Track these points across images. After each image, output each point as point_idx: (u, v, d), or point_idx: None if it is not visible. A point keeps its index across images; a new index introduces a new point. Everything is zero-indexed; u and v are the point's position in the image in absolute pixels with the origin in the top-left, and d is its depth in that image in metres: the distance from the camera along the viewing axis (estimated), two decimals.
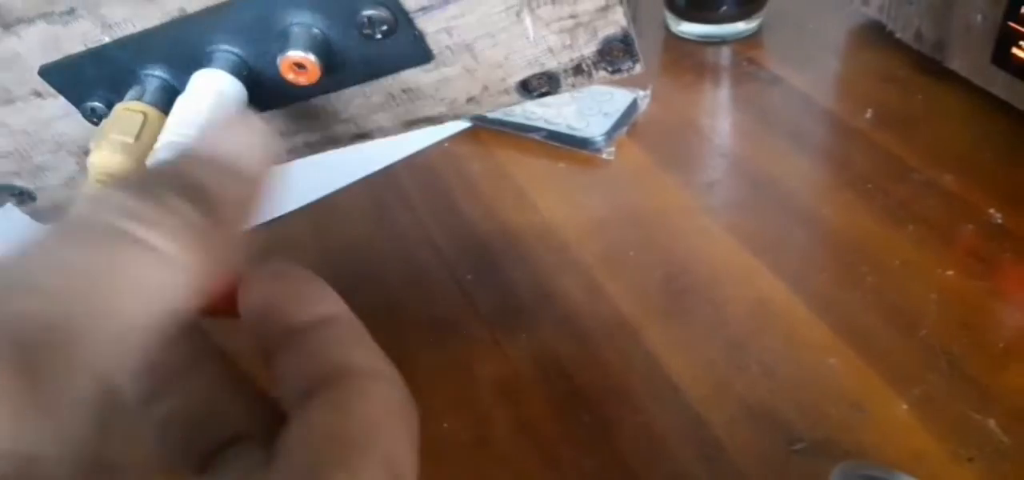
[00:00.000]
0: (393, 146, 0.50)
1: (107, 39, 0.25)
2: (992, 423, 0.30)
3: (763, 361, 0.34)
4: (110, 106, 0.26)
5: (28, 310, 0.13)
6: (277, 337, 0.18)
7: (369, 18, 0.23)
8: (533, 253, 0.41)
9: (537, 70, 0.26)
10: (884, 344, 0.34)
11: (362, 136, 0.29)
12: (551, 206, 0.44)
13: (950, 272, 0.36)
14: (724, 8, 0.54)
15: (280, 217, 0.46)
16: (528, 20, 0.24)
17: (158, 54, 0.25)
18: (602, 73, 0.25)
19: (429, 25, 0.24)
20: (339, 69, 0.25)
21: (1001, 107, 0.44)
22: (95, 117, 0.27)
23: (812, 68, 0.51)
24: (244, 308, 0.18)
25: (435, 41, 0.24)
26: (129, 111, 0.24)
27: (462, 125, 0.51)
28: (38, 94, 0.27)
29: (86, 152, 0.29)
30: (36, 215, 0.36)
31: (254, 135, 0.17)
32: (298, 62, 0.23)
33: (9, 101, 0.27)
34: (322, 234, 0.45)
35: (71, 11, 0.24)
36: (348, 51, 0.24)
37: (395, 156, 0.49)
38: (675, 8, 0.56)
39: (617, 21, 0.24)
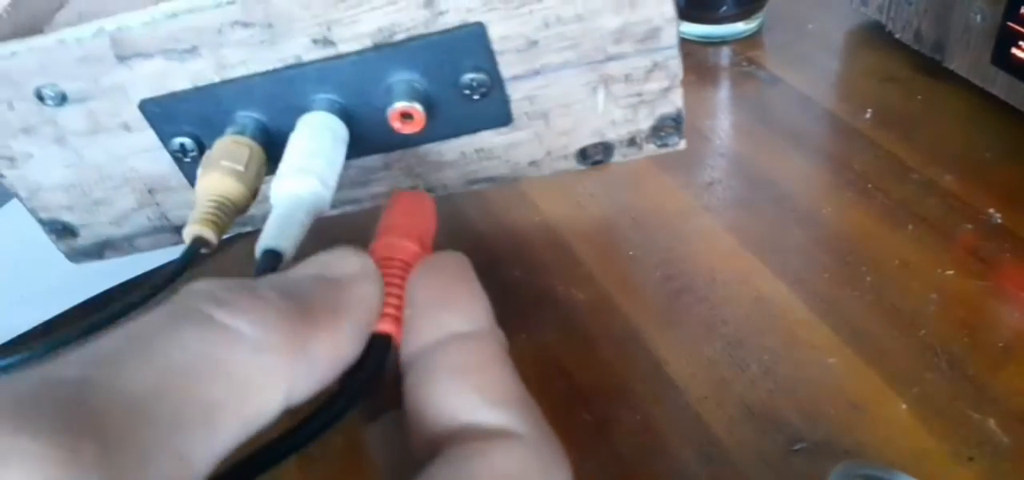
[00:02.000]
0: None
1: (217, 79, 0.25)
2: (992, 423, 0.30)
3: (762, 361, 0.34)
4: (198, 144, 0.27)
5: (121, 386, 0.13)
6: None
7: (471, 81, 0.25)
8: (533, 253, 0.41)
9: (597, 140, 0.28)
10: (884, 344, 0.34)
11: (428, 190, 0.31)
12: (551, 205, 0.44)
13: (950, 272, 0.36)
14: (724, 9, 0.54)
15: None
16: (602, 95, 0.26)
17: (262, 97, 0.26)
18: (651, 146, 0.28)
19: (516, 92, 0.26)
20: (432, 124, 0.26)
21: (1001, 107, 0.44)
22: (182, 153, 0.27)
23: (812, 68, 0.51)
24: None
25: (517, 107, 0.26)
26: (236, 143, 0.25)
27: None
28: (127, 128, 0.27)
29: (150, 189, 0.30)
30: (71, 254, 0.36)
31: (361, 265, 0.18)
32: (406, 112, 0.25)
33: (94, 132, 0.27)
34: (323, 233, 0.45)
35: (193, 49, 0.25)
36: (443, 108, 0.26)
37: None
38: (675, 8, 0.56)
39: (675, 101, 0.27)
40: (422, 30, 0.24)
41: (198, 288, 0.15)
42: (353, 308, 0.17)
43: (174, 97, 0.26)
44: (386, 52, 0.24)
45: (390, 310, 0.18)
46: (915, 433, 0.30)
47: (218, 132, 0.26)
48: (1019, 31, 0.40)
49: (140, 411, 0.13)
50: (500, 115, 0.26)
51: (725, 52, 0.55)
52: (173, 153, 0.28)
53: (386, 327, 0.18)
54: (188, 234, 0.25)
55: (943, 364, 0.33)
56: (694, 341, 0.35)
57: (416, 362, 0.17)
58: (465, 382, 0.17)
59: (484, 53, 0.24)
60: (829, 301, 0.36)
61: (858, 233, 0.39)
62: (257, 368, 0.14)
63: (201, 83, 0.26)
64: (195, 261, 0.25)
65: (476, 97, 0.25)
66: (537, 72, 0.25)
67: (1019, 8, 0.40)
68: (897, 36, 0.50)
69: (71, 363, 0.13)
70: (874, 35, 0.52)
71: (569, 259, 0.40)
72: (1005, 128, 0.43)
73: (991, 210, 0.39)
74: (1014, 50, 0.41)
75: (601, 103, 0.26)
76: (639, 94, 0.26)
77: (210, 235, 0.25)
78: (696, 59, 0.54)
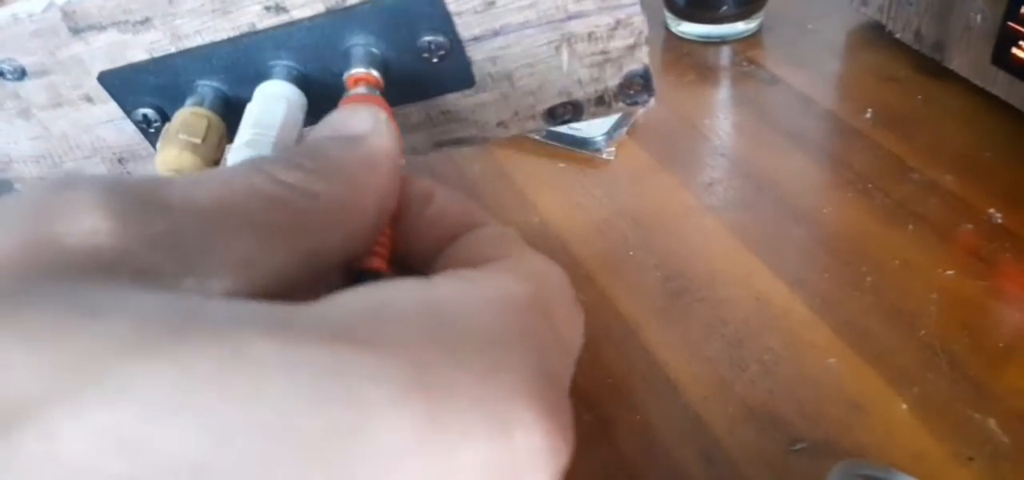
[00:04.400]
0: None
1: (174, 49, 0.25)
2: (992, 423, 0.30)
3: (763, 361, 0.34)
4: (161, 114, 0.27)
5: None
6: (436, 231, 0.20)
7: (429, 43, 0.25)
8: None
9: (565, 99, 0.27)
10: (884, 344, 0.34)
11: None
12: (551, 206, 0.44)
13: (950, 272, 0.36)
14: (724, 8, 0.54)
15: None
16: (565, 54, 0.25)
17: (221, 66, 0.26)
18: (620, 104, 0.27)
19: (477, 53, 0.25)
20: (393, 88, 0.26)
21: (1001, 107, 0.44)
22: (146, 124, 0.27)
23: (812, 68, 0.51)
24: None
25: (479, 68, 0.26)
26: (195, 115, 0.25)
27: None
28: (89, 99, 0.27)
29: (120, 158, 0.30)
30: None
31: (373, 120, 0.20)
32: (363, 78, 0.25)
33: (57, 105, 0.27)
34: None
35: (146, 21, 0.25)
36: (402, 72, 0.26)
37: None
38: (675, 8, 0.56)
39: (641, 59, 0.26)
40: None
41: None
42: (373, 167, 0.19)
43: (132, 68, 0.26)
44: (339, 17, 0.24)
45: (380, 250, 0.18)
46: (915, 433, 0.30)
47: (180, 101, 0.26)
48: (1019, 31, 0.40)
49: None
50: (462, 77, 0.26)
51: (725, 52, 0.55)
52: (137, 124, 0.27)
53: (377, 264, 0.18)
54: None
55: (943, 364, 0.33)
56: (694, 341, 0.35)
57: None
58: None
59: (440, 15, 0.24)
60: (829, 301, 0.36)
61: (858, 233, 0.39)
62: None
63: (157, 54, 0.25)
64: None
65: (435, 60, 0.25)
66: (497, 32, 0.25)
67: (1019, 8, 0.40)
68: (897, 36, 0.50)
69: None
70: (874, 35, 0.52)
71: (569, 259, 0.40)
72: (1005, 128, 0.43)
73: (992, 210, 0.39)
74: (1014, 50, 0.41)
75: (565, 62, 0.26)
76: (604, 52, 0.25)
77: None
78: (696, 59, 0.54)
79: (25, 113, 0.28)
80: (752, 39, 0.55)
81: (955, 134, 0.44)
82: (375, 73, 0.25)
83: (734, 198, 0.43)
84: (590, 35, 0.25)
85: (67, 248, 0.13)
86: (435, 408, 0.12)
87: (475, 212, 0.20)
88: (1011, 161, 0.42)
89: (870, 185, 0.42)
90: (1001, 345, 0.33)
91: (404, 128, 0.28)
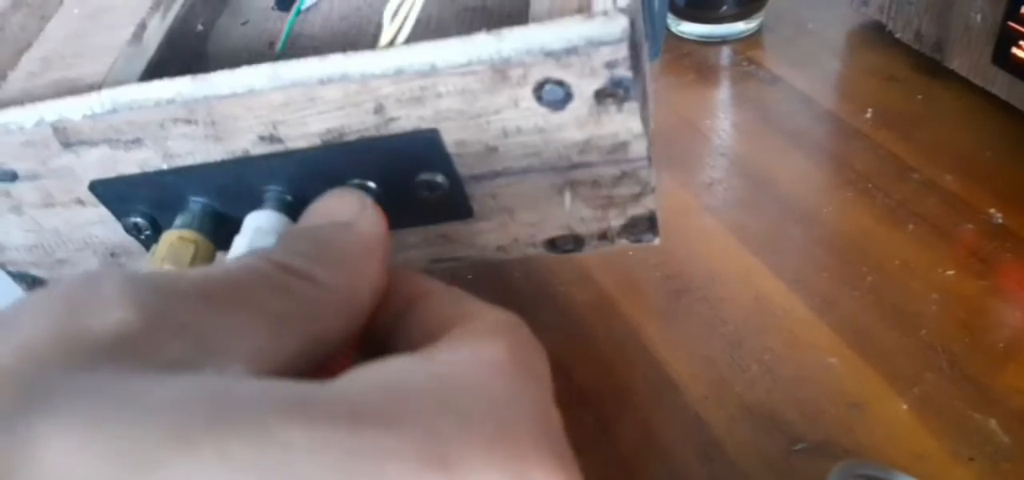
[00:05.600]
0: None
1: (165, 166, 0.25)
2: (993, 423, 0.30)
3: (763, 360, 0.34)
4: (152, 222, 0.27)
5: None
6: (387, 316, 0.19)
7: (427, 181, 0.24)
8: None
9: (566, 232, 0.27)
10: (884, 344, 0.34)
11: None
12: None
13: (950, 272, 0.36)
14: (724, 8, 0.54)
15: None
16: (568, 197, 0.25)
17: (213, 186, 0.25)
18: (623, 241, 0.27)
19: (477, 189, 0.25)
20: (388, 213, 0.26)
21: (1001, 107, 0.44)
22: (136, 231, 0.27)
23: (812, 68, 0.51)
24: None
25: (479, 202, 0.26)
26: (182, 240, 0.25)
27: None
28: (80, 202, 0.27)
29: (112, 253, 0.30)
30: None
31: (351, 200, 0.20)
32: None
33: (49, 205, 0.27)
34: None
35: (137, 141, 0.24)
36: (399, 202, 0.25)
37: None
38: (675, 8, 0.56)
39: (646, 205, 0.26)
40: (373, 132, 0.23)
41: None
42: (358, 253, 0.19)
43: (124, 180, 0.26)
44: (336, 150, 0.24)
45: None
46: (915, 433, 0.30)
47: (170, 212, 0.26)
48: (1019, 31, 0.40)
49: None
50: (461, 210, 0.26)
51: (725, 52, 0.55)
52: (127, 230, 0.27)
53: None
54: None
55: (944, 364, 0.33)
56: (694, 341, 0.35)
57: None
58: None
59: (439, 157, 0.24)
60: (829, 301, 0.36)
61: (858, 233, 0.39)
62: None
63: (149, 170, 0.25)
64: None
65: (433, 196, 0.25)
66: (498, 174, 0.24)
67: (1019, 8, 0.40)
68: (897, 36, 0.50)
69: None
70: (874, 34, 0.52)
71: (569, 259, 0.40)
72: (1006, 128, 0.43)
73: (992, 210, 0.39)
74: (1014, 50, 0.41)
75: (568, 203, 0.25)
76: (608, 198, 0.25)
77: None
78: (696, 59, 0.54)
79: (17, 209, 0.28)
80: (752, 39, 0.55)
81: (955, 134, 0.44)
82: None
83: (734, 198, 0.43)
84: (594, 182, 0.24)
85: (98, 339, 0.13)
86: (455, 477, 0.13)
87: (418, 279, 0.20)
88: (1011, 161, 0.41)
89: (870, 185, 0.42)
90: (1001, 345, 0.33)
91: (401, 247, 0.28)
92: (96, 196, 0.26)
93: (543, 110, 0.22)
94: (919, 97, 0.47)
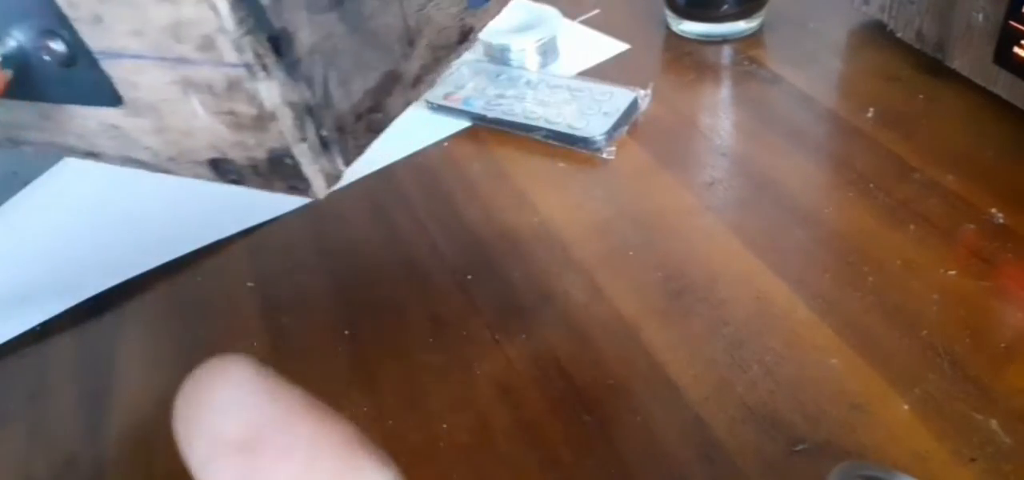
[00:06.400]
0: (393, 146, 0.50)
1: None
2: (994, 423, 0.30)
3: (763, 361, 0.34)
4: None
5: None
6: None
7: (47, 46, 0.23)
8: (533, 253, 0.41)
9: (220, 155, 0.23)
10: (885, 344, 0.34)
11: (93, 155, 0.28)
12: (551, 206, 0.44)
13: (952, 272, 0.36)
14: (725, 7, 0.54)
15: (280, 217, 0.46)
16: (196, 102, 0.22)
17: None
18: (280, 183, 0.23)
19: (115, 71, 0.23)
20: (36, 85, 0.24)
21: (1003, 107, 0.44)
22: None
23: (813, 67, 0.51)
24: None
25: (123, 89, 0.23)
26: None
27: (462, 124, 0.51)
28: None
29: None
30: None
31: None
32: None
33: None
34: (320, 234, 0.45)
35: None
36: (44, 72, 0.24)
37: (395, 156, 0.49)
38: (675, 7, 0.56)
39: (282, 138, 0.21)
40: None
41: None
42: None
43: None
44: None
45: None
46: (917, 434, 0.30)
47: None
48: (1021, 30, 0.40)
49: None
50: (105, 92, 0.24)
51: (726, 51, 0.54)
52: None
53: None
54: None
55: (945, 364, 0.32)
56: (694, 341, 0.35)
57: None
58: None
59: (54, 15, 0.22)
60: (830, 301, 0.36)
61: (859, 233, 0.39)
62: None
63: None
64: None
65: (63, 63, 0.23)
66: (118, 54, 0.22)
67: (1021, 7, 0.40)
68: (899, 35, 0.50)
69: None
70: (876, 34, 0.52)
71: (569, 259, 0.40)
72: (1007, 127, 0.43)
73: (993, 210, 0.39)
74: (1016, 49, 0.41)
75: (198, 110, 0.22)
76: (232, 113, 0.21)
77: None
78: (697, 58, 0.54)
79: None
80: (753, 38, 0.55)
81: (957, 134, 0.44)
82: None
83: (735, 198, 0.43)
84: (208, 86, 0.21)
85: None
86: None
87: None
88: (1013, 161, 0.41)
89: (871, 185, 0.41)
90: (1003, 345, 0.33)
91: (90, 132, 0.27)
92: None
93: None
94: (920, 97, 0.47)
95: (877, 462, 0.29)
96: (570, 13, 0.60)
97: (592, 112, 0.48)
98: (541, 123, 0.48)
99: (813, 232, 0.40)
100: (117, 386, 0.38)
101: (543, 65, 0.56)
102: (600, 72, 0.54)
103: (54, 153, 0.30)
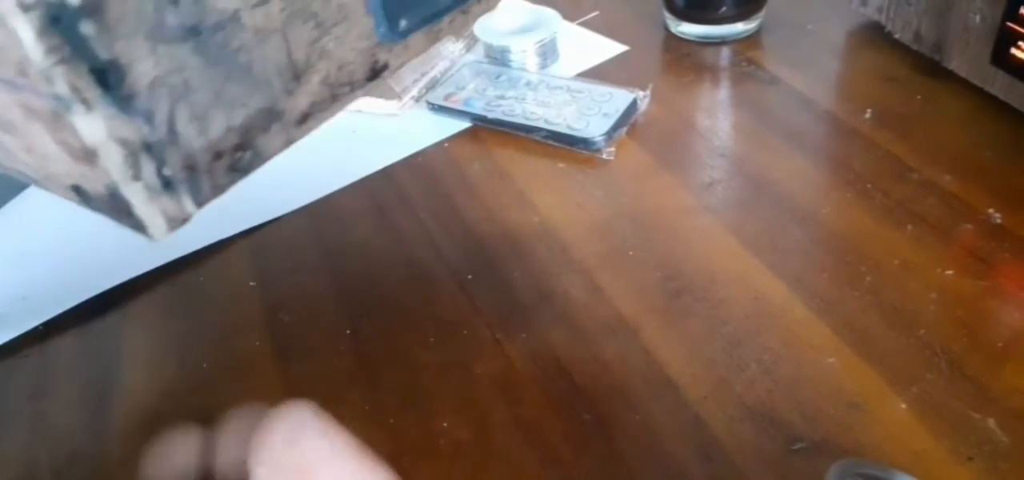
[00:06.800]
0: (393, 146, 0.50)
1: None
2: (991, 422, 0.30)
3: (762, 360, 0.34)
4: None
5: None
6: None
7: None
8: (533, 253, 0.41)
9: (75, 182, 0.22)
10: (883, 344, 0.34)
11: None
12: (551, 206, 0.44)
13: (949, 272, 0.36)
14: (723, 9, 0.54)
15: (280, 218, 0.46)
16: (38, 127, 0.20)
17: None
18: (131, 219, 0.22)
19: None
20: None
21: (1000, 107, 0.44)
22: None
23: (811, 69, 0.51)
24: None
25: None
26: None
27: (463, 125, 0.51)
28: None
29: None
30: None
31: None
32: None
33: None
34: (322, 234, 0.45)
35: None
36: None
37: (395, 156, 0.49)
38: (674, 9, 0.56)
39: (104, 176, 0.20)
40: None
41: None
42: None
43: None
44: None
45: None
46: (914, 433, 0.31)
47: None
48: (1018, 31, 0.41)
49: None
50: None
51: (725, 52, 0.55)
52: None
53: None
54: None
55: (942, 364, 0.33)
56: (694, 341, 0.35)
57: None
58: None
59: None
60: (828, 301, 0.36)
61: (857, 233, 0.39)
62: None
63: None
64: None
65: None
66: None
67: (1018, 8, 0.40)
68: (896, 36, 0.50)
69: None
70: (874, 35, 0.52)
71: (569, 259, 0.40)
72: (1004, 128, 0.44)
73: (990, 210, 0.39)
74: (1013, 50, 0.41)
75: (43, 136, 0.21)
76: (65, 143, 0.20)
77: None
78: (696, 59, 0.54)
79: None
80: (752, 40, 0.55)
81: (954, 134, 0.44)
82: None
83: (734, 198, 0.43)
84: (41, 114, 0.20)
85: None
86: None
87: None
88: (1010, 161, 0.42)
89: (869, 185, 0.42)
90: (1000, 344, 0.33)
91: None
92: None
93: None
94: (918, 97, 0.47)
95: (875, 461, 0.29)
96: (570, 15, 0.60)
97: (592, 113, 0.48)
98: (541, 124, 0.48)
99: (811, 232, 0.40)
100: (120, 384, 0.38)
101: (543, 66, 0.56)
102: (600, 73, 0.54)
103: None
